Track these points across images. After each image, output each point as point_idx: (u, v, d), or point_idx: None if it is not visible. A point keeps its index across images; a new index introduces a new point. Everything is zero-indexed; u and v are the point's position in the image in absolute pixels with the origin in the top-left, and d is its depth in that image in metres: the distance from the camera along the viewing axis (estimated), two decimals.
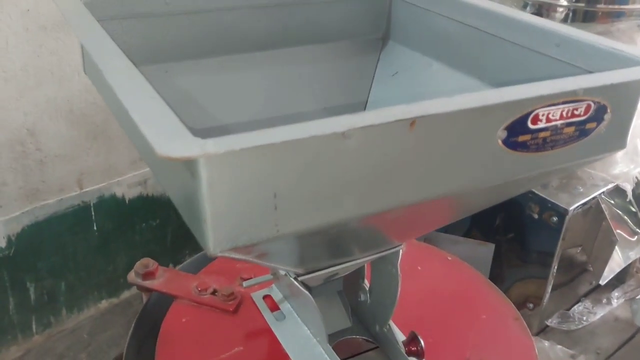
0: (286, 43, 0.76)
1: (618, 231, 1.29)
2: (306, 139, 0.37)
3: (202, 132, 0.35)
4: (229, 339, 0.71)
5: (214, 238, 0.38)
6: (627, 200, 1.28)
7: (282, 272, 0.64)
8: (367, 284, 0.71)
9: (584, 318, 1.39)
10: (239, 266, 0.80)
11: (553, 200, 1.17)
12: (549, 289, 1.26)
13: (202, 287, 0.76)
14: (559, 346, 1.27)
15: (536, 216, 1.21)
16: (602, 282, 1.31)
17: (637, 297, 1.45)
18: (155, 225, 1.44)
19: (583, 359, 1.27)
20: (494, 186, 0.50)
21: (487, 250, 1.23)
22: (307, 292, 0.62)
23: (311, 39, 0.77)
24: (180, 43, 0.70)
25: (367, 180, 0.42)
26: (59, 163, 1.24)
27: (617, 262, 1.33)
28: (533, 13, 1.18)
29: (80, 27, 0.54)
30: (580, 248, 1.35)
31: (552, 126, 0.47)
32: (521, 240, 1.26)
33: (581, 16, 1.16)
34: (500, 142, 0.46)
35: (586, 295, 1.44)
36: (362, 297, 0.71)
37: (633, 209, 1.33)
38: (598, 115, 0.48)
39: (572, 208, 1.16)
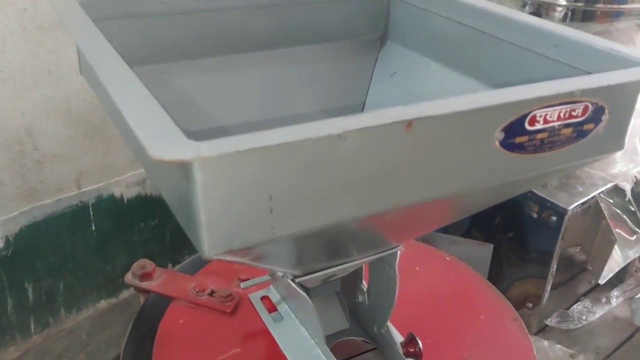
0: (284, 43, 0.76)
1: (617, 230, 1.29)
2: (301, 141, 0.37)
3: (199, 134, 0.35)
4: (226, 340, 0.71)
5: (209, 241, 0.38)
6: (626, 199, 1.28)
7: (280, 274, 0.64)
8: (365, 285, 0.71)
9: (583, 317, 1.39)
10: (237, 267, 0.80)
11: (552, 200, 1.17)
12: (548, 288, 1.26)
13: (199, 288, 0.76)
14: (558, 345, 1.27)
15: (535, 215, 1.21)
16: (602, 281, 1.31)
17: (636, 297, 1.44)
18: (154, 225, 1.43)
19: (582, 359, 1.27)
20: (492, 187, 0.49)
21: (485, 250, 1.23)
22: (304, 293, 0.61)
23: (309, 39, 0.77)
24: (178, 43, 0.70)
25: (364, 182, 0.41)
26: (57, 163, 1.24)
27: (616, 261, 1.33)
28: (532, 12, 1.18)
29: (75, 27, 0.53)
30: (579, 247, 1.35)
31: (549, 127, 0.46)
32: (520, 239, 1.26)
33: (580, 15, 1.16)
34: (497, 143, 0.45)
35: (585, 294, 1.44)
36: (360, 298, 0.71)
37: (632, 208, 1.32)
38: (596, 116, 0.48)
39: (571, 207, 1.16)
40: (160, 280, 0.77)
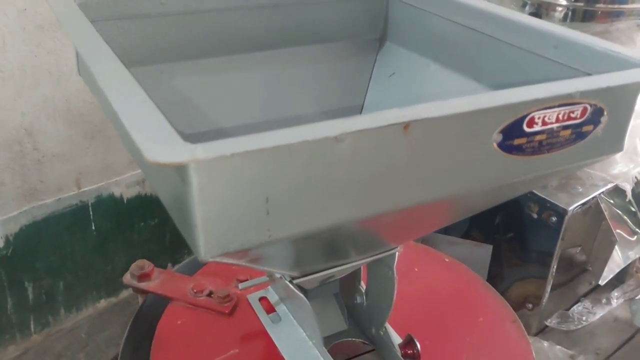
0: (283, 44, 0.76)
1: (617, 231, 1.29)
2: (298, 143, 0.37)
3: (198, 135, 0.35)
4: (224, 341, 0.70)
5: (205, 243, 0.38)
6: (627, 200, 1.27)
7: (278, 275, 0.64)
8: (363, 286, 0.71)
9: (584, 318, 1.39)
10: (235, 268, 0.80)
11: (552, 200, 1.17)
12: (548, 288, 1.26)
13: (197, 289, 0.76)
14: (558, 346, 1.27)
15: (535, 216, 1.20)
16: (602, 282, 1.31)
17: (637, 298, 1.44)
18: (154, 224, 1.44)
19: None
20: (490, 189, 0.49)
21: (484, 251, 1.23)
22: (302, 295, 0.61)
23: (308, 40, 0.77)
24: (176, 44, 0.70)
25: (361, 184, 0.41)
26: (57, 163, 1.24)
27: (616, 262, 1.33)
28: (532, 12, 1.17)
29: (72, 28, 0.53)
30: (579, 248, 1.34)
31: (548, 129, 0.46)
32: (520, 239, 1.26)
33: (580, 15, 1.15)
34: (495, 145, 0.45)
35: (586, 295, 1.44)
36: (359, 300, 0.71)
37: (632, 209, 1.32)
38: (594, 118, 0.48)
39: (571, 208, 1.16)
40: (158, 281, 0.77)
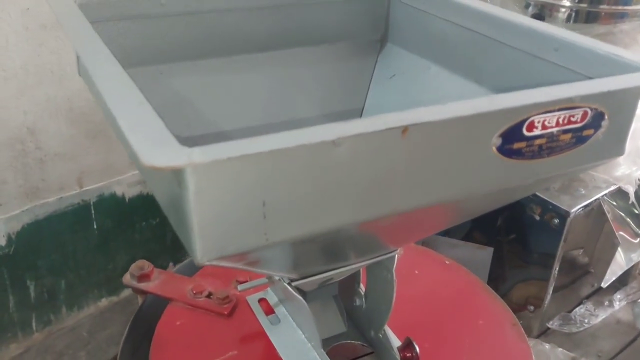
0: (283, 45, 0.75)
1: (620, 233, 1.28)
2: (295, 147, 0.37)
3: (196, 137, 0.35)
4: (223, 343, 0.70)
5: (202, 247, 0.38)
6: (630, 202, 1.27)
7: (276, 277, 0.63)
8: (362, 288, 0.70)
9: (586, 320, 1.38)
10: (235, 269, 0.79)
11: (554, 202, 1.17)
12: (550, 290, 1.26)
13: (197, 289, 0.76)
14: (560, 349, 1.26)
15: (538, 218, 1.20)
16: (604, 284, 1.31)
17: (639, 300, 1.44)
18: (155, 224, 1.44)
19: None
20: (490, 193, 0.49)
21: (485, 254, 1.23)
22: (300, 297, 0.61)
23: (309, 41, 0.76)
24: (177, 45, 0.70)
25: (359, 188, 0.41)
26: (59, 162, 1.24)
27: (619, 264, 1.32)
28: (535, 13, 1.17)
29: (71, 29, 0.53)
30: (582, 250, 1.34)
31: (547, 133, 0.46)
32: (522, 241, 1.26)
33: (584, 17, 1.15)
34: (494, 149, 0.45)
35: (588, 297, 1.43)
36: (358, 302, 0.71)
37: (636, 211, 1.32)
38: (595, 122, 0.48)
39: (573, 210, 1.16)
40: (158, 282, 0.77)
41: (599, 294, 1.44)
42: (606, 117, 0.48)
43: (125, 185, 1.36)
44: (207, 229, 0.37)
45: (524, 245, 1.26)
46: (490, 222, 1.29)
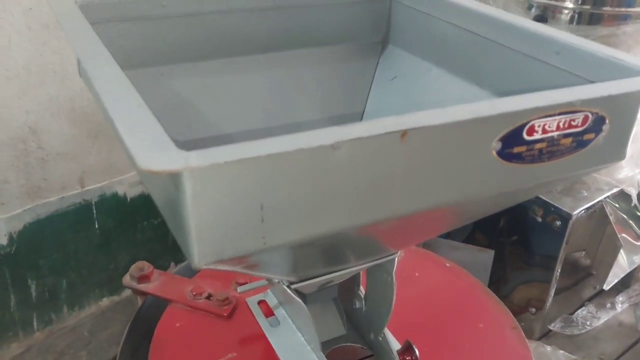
0: (285, 46, 0.75)
1: (623, 235, 1.28)
2: (293, 151, 0.36)
3: (196, 140, 0.35)
4: (222, 345, 0.70)
5: (199, 251, 0.38)
6: (632, 204, 1.26)
7: (276, 280, 0.63)
8: (362, 290, 0.70)
9: (588, 323, 1.38)
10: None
11: (556, 205, 1.16)
12: (552, 292, 1.25)
13: (196, 291, 0.76)
14: (562, 351, 1.26)
15: (540, 219, 1.20)
16: (606, 287, 1.30)
17: None
18: (157, 223, 1.44)
19: None
20: (490, 197, 0.49)
21: (486, 256, 1.22)
22: (299, 300, 0.61)
23: (310, 42, 0.76)
24: (177, 46, 0.70)
25: (358, 192, 0.41)
26: (61, 161, 1.24)
27: (621, 266, 1.32)
28: (538, 15, 1.16)
29: (71, 30, 0.53)
30: (584, 252, 1.33)
31: (548, 137, 0.46)
32: (524, 243, 1.25)
33: (587, 19, 1.14)
34: (494, 153, 0.45)
35: (590, 299, 1.43)
36: (358, 305, 0.71)
37: (638, 214, 1.31)
38: (596, 126, 0.47)
39: (575, 212, 1.15)
40: (157, 283, 0.77)
41: (601, 296, 1.43)
42: (607, 121, 0.48)
43: (127, 185, 1.36)
44: (205, 233, 0.37)
45: (526, 247, 1.26)
46: (492, 223, 1.29)
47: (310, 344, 0.67)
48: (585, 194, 1.20)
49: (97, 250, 1.36)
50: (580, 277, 1.40)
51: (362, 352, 0.71)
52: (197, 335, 0.72)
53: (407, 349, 0.66)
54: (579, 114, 0.46)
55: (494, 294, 0.82)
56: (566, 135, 0.46)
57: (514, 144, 0.44)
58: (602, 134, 0.48)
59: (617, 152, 0.51)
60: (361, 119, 0.79)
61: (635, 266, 1.33)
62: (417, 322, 0.75)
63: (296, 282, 0.60)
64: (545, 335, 1.33)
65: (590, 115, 0.46)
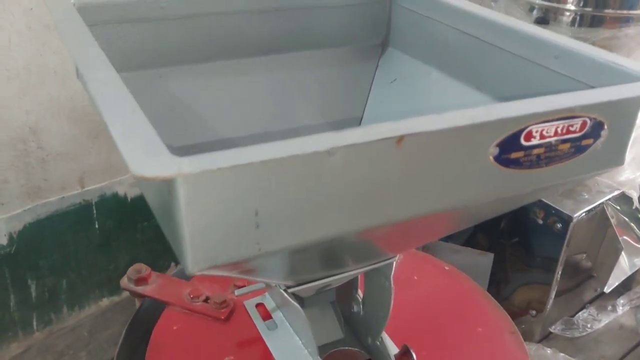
0: (284, 48, 0.75)
1: (624, 238, 1.28)
2: (288, 157, 0.36)
3: (195, 143, 0.35)
4: (219, 348, 0.70)
5: (193, 257, 0.38)
6: (634, 207, 1.26)
7: (273, 284, 0.63)
8: (360, 294, 0.70)
9: (588, 325, 1.37)
10: None
11: (557, 207, 1.16)
12: (553, 295, 1.25)
13: (194, 294, 0.75)
14: (562, 354, 1.26)
15: (541, 221, 1.20)
16: (607, 289, 1.30)
17: None
18: (157, 224, 1.43)
19: None
20: (487, 202, 0.49)
21: (486, 260, 1.22)
22: (296, 304, 0.61)
23: (310, 45, 0.76)
24: (176, 48, 0.69)
25: (353, 198, 0.41)
26: (61, 161, 1.24)
27: (622, 269, 1.31)
28: (540, 17, 1.16)
29: (67, 33, 0.53)
30: (585, 254, 1.33)
31: (546, 143, 0.45)
32: (525, 245, 1.25)
33: (588, 21, 1.14)
34: (492, 158, 0.44)
35: (591, 302, 1.42)
36: (355, 308, 0.70)
37: (639, 216, 1.31)
38: (594, 131, 0.47)
39: (576, 215, 1.15)
40: (155, 285, 0.77)
41: (602, 299, 1.43)
42: (606, 126, 0.47)
43: (127, 185, 1.36)
44: (199, 239, 0.37)
45: (527, 249, 1.25)
46: (493, 225, 1.28)
47: (308, 348, 0.67)
48: (587, 197, 1.20)
49: (97, 251, 1.36)
50: (581, 279, 1.40)
51: (359, 356, 0.71)
52: (194, 338, 0.72)
53: (404, 353, 0.65)
54: (577, 119, 0.45)
55: (493, 298, 0.81)
56: (564, 141, 0.46)
57: (511, 149, 0.44)
58: (601, 140, 0.48)
59: (615, 157, 0.50)
60: (360, 121, 0.79)
61: (636, 269, 1.33)
62: (415, 326, 0.75)
63: (293, 286, 0.60)
64: (546, 338, 1.33)
65: (588, 121, 0.46)
